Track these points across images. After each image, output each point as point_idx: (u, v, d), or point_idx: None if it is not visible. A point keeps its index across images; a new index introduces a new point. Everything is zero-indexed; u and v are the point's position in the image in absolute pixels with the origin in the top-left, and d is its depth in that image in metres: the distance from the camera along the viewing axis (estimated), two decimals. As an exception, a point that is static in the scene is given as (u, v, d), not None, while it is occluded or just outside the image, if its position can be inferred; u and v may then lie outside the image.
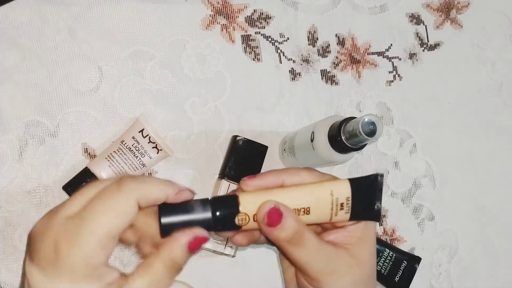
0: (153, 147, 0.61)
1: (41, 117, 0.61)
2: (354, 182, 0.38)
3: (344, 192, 0.38)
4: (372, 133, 0.47)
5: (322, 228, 0.41)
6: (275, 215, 0.36)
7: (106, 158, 0.59)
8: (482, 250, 0.73)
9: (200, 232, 0.35)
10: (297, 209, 0.37)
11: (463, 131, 0.74)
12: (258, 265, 0.65)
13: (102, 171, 0.59)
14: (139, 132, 0.61)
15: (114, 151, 0.60)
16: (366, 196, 0.38)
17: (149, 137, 0.61)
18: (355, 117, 0.51)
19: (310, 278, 0.39)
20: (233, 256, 0.62)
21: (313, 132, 0.56)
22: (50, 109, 0.61)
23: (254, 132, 0.66)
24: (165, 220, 0.35)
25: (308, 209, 0.37)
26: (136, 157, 0.60)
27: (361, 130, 0.47)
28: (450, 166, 0.73)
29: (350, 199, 0.37)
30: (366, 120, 0.47)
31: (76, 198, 0.34)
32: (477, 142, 0.74)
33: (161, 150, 0.61)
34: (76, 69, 0.63)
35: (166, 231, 0.35)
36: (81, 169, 0.60)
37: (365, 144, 0.52)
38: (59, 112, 0.62)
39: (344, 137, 0.51)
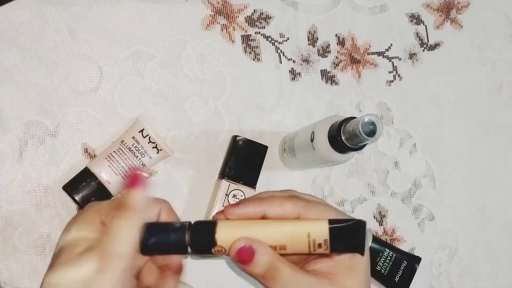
0: (153, 147, 0.61)
1: (41, 117, 0.61)
2: (334, 226, 0.37)
3: (321, 234, 0.37)
4: (372, 133, 0.47)
5: (308, 257, 0.41)
6: (246, 253, 0.36)
7: (106, 158, 0.59)
8: (482, 250, 0.73)
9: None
10: (273, 245, 0.37)
11: (463, 131, 0.74)
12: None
13: (102, 171, 0.59)
14: (139, 132, 0.61)
15: (114, 151, 0.60)
16: (347, 239, 0.37)
17: (149, 137, 0.60)
18: (355, 117, 0.51)
19: None
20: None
21: (313, 132, 0.56)
22: (50, 109, 0.61)
23: (254, 132, 0.66)
24: (145, 240, 0.37)
25: (284, 246, 0.37)
26: (136, 157, 0.60)
27: (361, 130, 0.47)
28: (450, 166, 0.73)
29: (328, 241, 0.37)
30: (366, 120, 0.47)
31: (79, 225, 0.39)
32: (477, 142, 0.74)
33: (161, 150, 0.61)
34: (76, 69, 0.63)
35: (146, 250, 0.37)
36: (81, 169, 0.60)
37: (365, 144, 0.52)
38: (59, 112, 0.62)
39: (344, 137, 0.51)
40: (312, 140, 0.56)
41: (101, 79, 0.63)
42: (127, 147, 0.60)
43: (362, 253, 0.38)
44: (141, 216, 0.36)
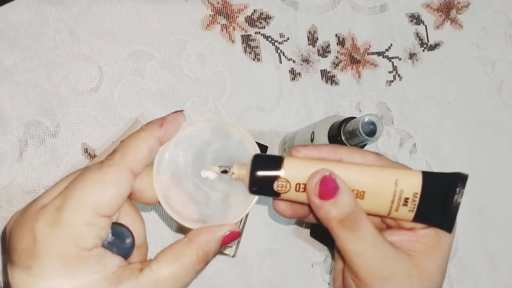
0: None
1: (41, 117, 0.61)
2: (428, 177, 0.31)
3: (412, 185, 0.31)
4: (372, 133, 0.47)
5: (386, 226, 0.35)
6: (329, 186, 0.30)
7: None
8: (482, 250, 0.73)
9: (234, 227, 0.32)
10: (351, 189, 0.31)
11: (463, 131, 0.74)
12: (258, 265, 0.65)
13: None
14: None
15: None
16: (440, 197, 0.31)
17: None
18: (355, 117, 0.51)
19: (358, 279, 0.32)
20: (233, 256, 0.62)
21: (313, 132, 0.56)
22: (50, 109, 0.61)
23: (254, 132, 0.66)
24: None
25: (362, 194, 0.31)
26: None
27: (361, 130, 0.47)
28: (450, 166, 0.73)
29: (418, 195, 0.31)
30: (366, 120, 0.47)
31: (53, 187, 0.31)
32: (477, 142, 0.74)
33: None
34: (76, 69, 0.63)
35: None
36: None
37: (365, 144, 0.52)
38: (59, 112, 0.62)
39: (344, 137, 0.51)
40: (312, 140, 0.56)
41: (101, 79, 0.63)
42: None
43: (449, 230, 0.31)
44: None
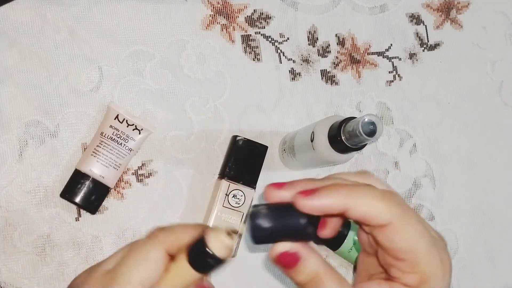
0: (133, 129, 0.60)
1: (41, 117, 0.61)
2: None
3: None
4: (372, 133, 0.47)
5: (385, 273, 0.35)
6: (289, 259, 0.33)
7: (91, 154, 0.59)
8: (482, 250, 0.73)
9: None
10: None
11: (463, 131, 0.74)
12: (258, 265, 0.65)
13: (92, 168, 0.59)
14: (115, 118, 0.60)
15: (97, 146, 0.59)
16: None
17: (126, 120, 0.60)
18: (355, 117, 0.51)
19: None
20: (233, 256, 0.62)
21: (313, 132, 0.56)
22: (50, 109, 0.61)
23: (254, 132, 0.66)
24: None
25: None
26: (120, 144, 0.60)
27: (361, 130, 0.47)
28: (450, 166, 0.73)
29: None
30: (366, 120, 0.47)
31: (114, 254, 0.35)
32: (477, 142, 0.74)
33: (142, 129, 0.61)
34: (76, 69, 0.63)
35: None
36: (71, 173, 0.60)
37: (365, 144, 0.52)
38: (59, 112, 0.62)
39: (344, 137, 0.51)
40: (312, 140, 0.56)
41: (101, 79, 0.63)
42: (108, 137, 0.60)
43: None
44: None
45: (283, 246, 0.32)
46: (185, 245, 0.33)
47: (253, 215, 0.33)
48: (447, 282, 0.33)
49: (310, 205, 0.32)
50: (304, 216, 0.32)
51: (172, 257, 0.34)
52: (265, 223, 0.32)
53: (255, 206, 0.33)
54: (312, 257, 0.33)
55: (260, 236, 0.33)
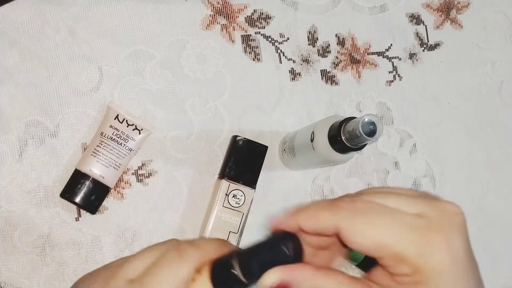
0: (133, 129, 0.60)
1: (41, 117, 0.61)
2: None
3: None
4: (372, 133, 0.47)
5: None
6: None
7: (91, 154, 0.59)
8: (482, 250, 0.72)
9: None
10: None
11: (463, 131, 0.74)
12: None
13: (92, 168, 0.59)
14: (115, 119, 0.60)
15: (97, 146, 0.59)
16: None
17: (126, 120, 0.60)
18: (355, 117, 0.51)
19: None
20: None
21: (313, 132, 0.56)
22: (50, 109, 0.61)
23: (254, 132, 0.66)
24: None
25: None
26: (120, 144, 0.60)
27: (361, 130, 0.47)
28: (450, 166, 0.73)
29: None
30: (366, 120, 0.47)
31: (136, 260, 0.34)
32: (477, 142, 0.74)
33: (142, 129, 0.61)
34: (76, 69, 0.63)
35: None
36: (71, 173, 0.60)
37: (365, 144, 0.52)
38: (59, 112, 0.62)
39: (344, 137, 0.51)
40: (312, 140, 0.56)
41: (101, 79, 0.63)
42: (108, 137, 0.60)
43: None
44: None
45: (268, 279, 0.32)
46: (209, 261, 0.33)
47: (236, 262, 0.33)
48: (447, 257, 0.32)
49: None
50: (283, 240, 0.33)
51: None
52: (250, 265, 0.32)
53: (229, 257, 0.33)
54: (302, 275, 0.32)
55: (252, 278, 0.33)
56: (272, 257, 0.32)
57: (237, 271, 0.32)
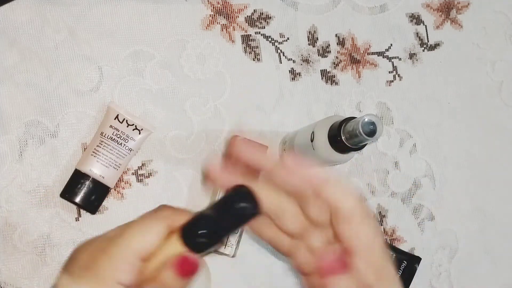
0: (133, 129, 0.60)
1: (41, 117, 0.61)
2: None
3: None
4: (372, 133, 0.47)
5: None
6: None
7: (91, 154, 0.59)
8: (482, 250, 0.72)
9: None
10: None
11: (463, 131, 0.74)
12: (258, 265, 0.65)
13: (92, 168, 0.59)
14: (115, 119, 0.60)
15: (97, 146, 0.59)
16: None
17: (126, 120, 0.60)
18: (355, 117, 0.51)
19: None
20: (233, 256, 0.62)
21: (313, 132, 0.56)
22: (50, 109, 0.61)
23: (254, 132, 0.66)
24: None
25: None
26: (120, 144, 0.60)
27: (361, 130, 0.47)
28: (450, 166, 0.73)
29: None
30: (366, 120, 0.47)
31: (119, 226, 0.37)
32: (477, 142, 0.74)
33: (142, 129, 0.61)
34: (76, 69, 0.63)
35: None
36: (71, 173, 0.60)
37: (365, 144, 0.52)
38: (59, 112, 0.62)
39: (344, 137, 0.51)
40: (312, 140, 0.56)
41: (101, 79, 0.63)
42: (108, 137, 0.60)
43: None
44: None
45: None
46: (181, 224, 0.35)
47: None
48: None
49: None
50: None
51: (170, 234, 0.36)
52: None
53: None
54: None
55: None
56: (236, 212, 0.35)
57: (206, 231, 0.35)
